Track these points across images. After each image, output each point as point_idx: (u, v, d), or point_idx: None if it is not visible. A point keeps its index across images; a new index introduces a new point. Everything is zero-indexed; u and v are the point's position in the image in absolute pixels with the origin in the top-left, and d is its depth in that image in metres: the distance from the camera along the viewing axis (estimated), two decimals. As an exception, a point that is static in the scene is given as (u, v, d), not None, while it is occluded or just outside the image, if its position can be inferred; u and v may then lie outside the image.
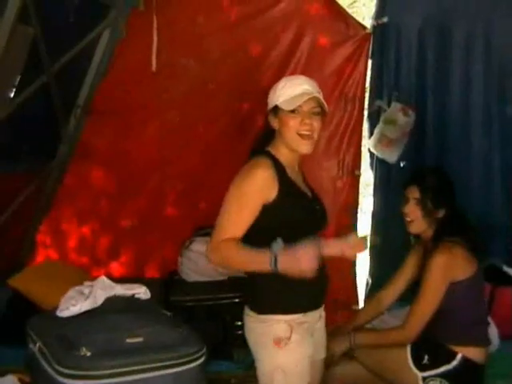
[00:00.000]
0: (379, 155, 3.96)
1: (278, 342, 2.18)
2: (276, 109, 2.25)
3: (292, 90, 2.23)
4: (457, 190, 2.83)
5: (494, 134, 3.90)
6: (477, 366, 2.66)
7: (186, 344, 2.18)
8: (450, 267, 2.62)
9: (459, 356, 2.63)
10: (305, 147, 2.24)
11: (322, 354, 2.44)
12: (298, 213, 2.22)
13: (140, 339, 2.13)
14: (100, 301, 2.30)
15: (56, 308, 2.29)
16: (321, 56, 3.84)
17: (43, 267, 3.71)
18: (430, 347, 2.67)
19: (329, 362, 2.71)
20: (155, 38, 3.67)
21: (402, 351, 2.69)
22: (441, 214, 2.75)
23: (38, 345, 2.14)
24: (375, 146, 3.92)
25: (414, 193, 2.77)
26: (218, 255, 2.14)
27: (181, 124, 3.96)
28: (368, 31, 3.80)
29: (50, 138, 3.74)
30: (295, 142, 2.23)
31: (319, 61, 3.83)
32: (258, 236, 2.14)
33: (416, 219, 2.77)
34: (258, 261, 2.09)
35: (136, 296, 2.44)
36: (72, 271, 3.63)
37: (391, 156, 3.90)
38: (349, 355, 2.77)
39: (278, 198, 2.16)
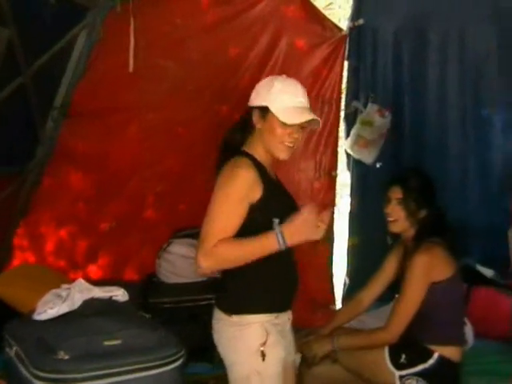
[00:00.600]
0: (356, 156, 3.99)
1: (261, 352, 2.16)
2: (265, 109, 2.21)
3: (290, 100, 2.20)
4: (433, 190, 2.87)
5: (469, 135, 3.96)
6: (453, 365, 2.69)
7: (164, 346, 2.19)
8: (432, 267, 2.64)
9: (436, 355, 2.66)
10: (284, 154, 2.24)
11: (293, 356, 2.42)
12: (283, 212, 2.21)
13: (118, 342, 2.14)
14: (78, 304, 2.30)
15: (33, 311, 2.28)
16: (298, 58, 3.85)
17: (20, 270, 3.67)
18: (407, 346, 2.69)
19: (310, 363, 2.75)
20: (132, 40, 3.66)
21: (380, 351, 2.71)
22: (423, 214, 2.77)
23: (14, 349, 2.14)
24: (352, 147, 3.95)
25: (396, 193, 2.79)
26: (213, 260, 2.08)
27: (160, 126, 3.94)
28: (344, 33, 3.82)
29: (27, 139, 3.71)
30: (276, 149, 2.22)
31: (296, 62, 3.84)
32: (244, 236, 2.13)
33: (399, 219, 2.78)
34: (263, 245, 2.09)
35: (114, 298, 2.44)
36: (50, 274, 3.60)
37: (368, 157, 3.93)
38: (331, 357, 2.78)
39: (263, 198, 2.15)
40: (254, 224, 2.14)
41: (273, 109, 2.19)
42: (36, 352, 2.06)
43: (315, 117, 2.22)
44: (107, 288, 2.45)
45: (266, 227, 2.12)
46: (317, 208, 2.12)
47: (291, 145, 2.22)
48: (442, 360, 2.66)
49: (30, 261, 4.00)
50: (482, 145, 3.96)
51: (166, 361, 2.15)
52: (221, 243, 2.06)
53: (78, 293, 2.31)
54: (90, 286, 2.40)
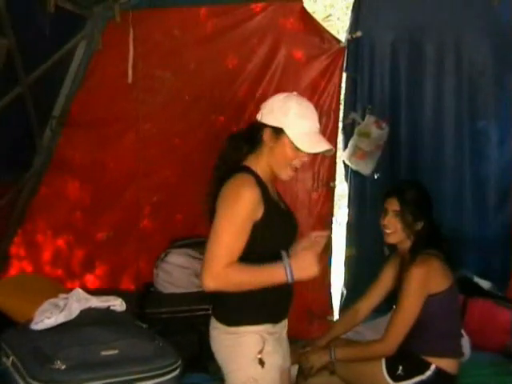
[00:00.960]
0: (354, 167, 4.00)
1: (259, 360, 2.16)
2: (279, 130, 2.15)
3: (307, 126, 2.15)
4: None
5: (465, 146, 3.97)
6: (450, 377, 2.69)
7: (161, 356, 2.18)
8: (428, 280, 2.64)
9: (433, 367, 2.65)
10: (287, 176, 2.22)
11: (288, 362, 2.40)
12: (283, 231, 2.22)
13: (115, 352, 2.12)
14: (75, 313, 2.29)
15: (30, 321, 2.27)
16: (296, 69, 3.87)
17: (18, 280, 3.66)
18: (404, 358, 2.68)
19: (307, 375, 2.74)
20: (131, 50, 3.69)
21: (377, 362, 2.71)
22: (419, 226, 2.76)
23: (11, 358, 2.12)
24: (350, 158, 3.96)
25: (393, 205, 2.78)
26: (221, 282, 2.07)
27: (157, 136, 3.96)
28: (342, 45, 3.84)
29: (25, 149, 3.71)
30: (282, 169, 2.20)
31: (294, 74, 3.86)
32: (243, 255, 2.11)
33: (396, 231, 2.77)
34: (271, 276, 2.09)
35: (111, 308, 2.43)
36: (47, 284, 3.59)
37: (365, 168, 3.94)
38: (328, 369, 2.77)
39: (264, 217, 2.13)
40: (254, 242, 2.12)
41: (290, 134, 2.14)
42: (33, 361, 2.04)
43: (332, 147, 2.22)
44: (105, 298, 2.44)
45: (265, 245, 2.14)
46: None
47: (299, 166, 2.22)
48: (439, 372, 2.65)
49: (27, 270, 3.99)
50: (478, 156, 3.98)
51: (163, 371, 2.15)
52: (231, 267, 2.06)
53: (75, 302, 2.31)
54: (88, 296, 2.39)
